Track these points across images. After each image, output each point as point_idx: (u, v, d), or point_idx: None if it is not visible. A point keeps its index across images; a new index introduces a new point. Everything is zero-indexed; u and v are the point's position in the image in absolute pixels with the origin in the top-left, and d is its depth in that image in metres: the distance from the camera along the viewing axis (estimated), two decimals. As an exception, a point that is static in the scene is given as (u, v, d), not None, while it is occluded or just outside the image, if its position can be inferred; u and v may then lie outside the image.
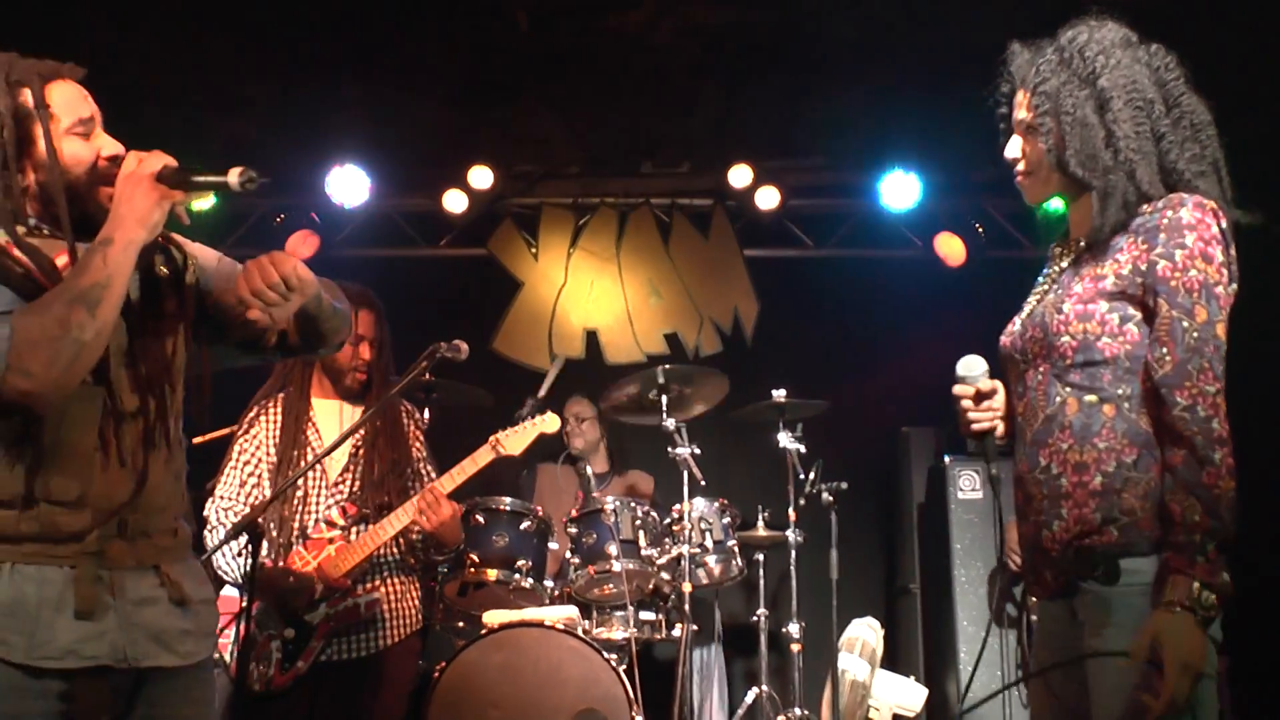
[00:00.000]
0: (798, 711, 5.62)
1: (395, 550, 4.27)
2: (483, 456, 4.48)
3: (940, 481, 6.52)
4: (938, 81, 6.29)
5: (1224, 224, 2.44)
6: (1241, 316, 2.46)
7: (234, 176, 2.35)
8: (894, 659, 6.76)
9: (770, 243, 7.87)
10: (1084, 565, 2.41)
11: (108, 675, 2.20)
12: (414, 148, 7.31)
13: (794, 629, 5.79)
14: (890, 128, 7.03)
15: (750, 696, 5.90)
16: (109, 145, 2.38)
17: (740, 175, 7.48)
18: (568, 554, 5.49)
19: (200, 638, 2.39)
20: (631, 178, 7.86)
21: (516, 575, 5.11)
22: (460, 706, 4.62)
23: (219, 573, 4.03)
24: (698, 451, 5.52)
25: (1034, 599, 2.66)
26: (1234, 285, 2.45)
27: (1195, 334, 2.35)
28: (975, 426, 2.76)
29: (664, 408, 5.55)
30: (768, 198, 7.50)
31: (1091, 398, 2.46)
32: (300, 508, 4.17)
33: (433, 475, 4.38)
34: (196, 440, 5.49)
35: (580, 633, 4.94)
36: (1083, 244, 2.61)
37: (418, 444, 4.45)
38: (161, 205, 2.30)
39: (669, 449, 5.51)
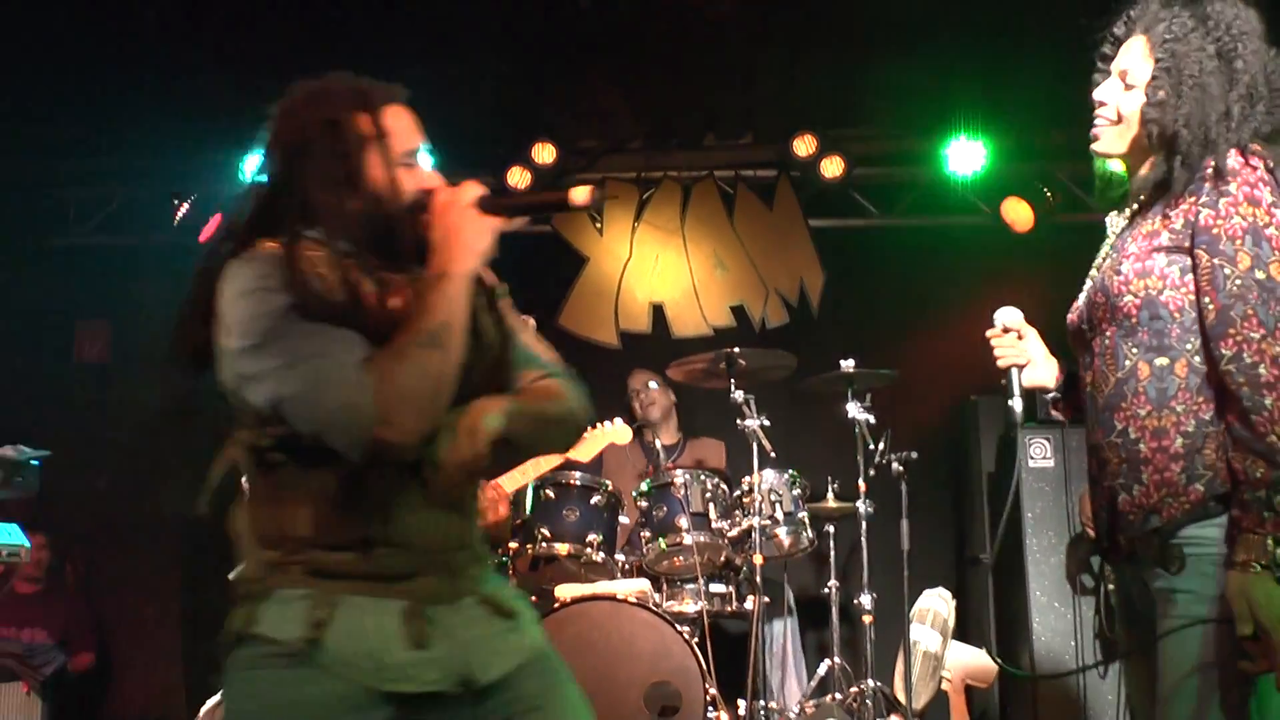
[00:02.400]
0: (870, 683, 5.61)
1: None
2: (549, 459, 4.49)
3: (1011, 450, 6.46)
4: (1002, 45, 6.21)
5: (1271, 165, 2.42)
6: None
7: (580, 195, 2.27)
8: (965, 630, 6.73)
9: (835, 212, 7.81)
10: (1152, 549, 2.42)
11: (444, 700, 2.22)
12: (476, 125, 7.33)
13: (865, 600, 5.77)
14: (955, 93, 6.95)
15: (822, 668, 5.90)
16: (424, 180, 2.33)
17: (804, 145, 7.41)
18: (638, 527, 5.51)
19: (527, 630, 2.39)
20: (695, 150, 7.83)
21: (588, 549, 5.14)
22: (534, 680, 4.66)
23: None
24: (767, 423, 5.52)
25: (1109, 566, 2.66)
26: None
27: (1238, 281, 2.34)
28: (999, 361, 2.85)
29: (732, 380, 5.55)
30: (832, 167, 7.43)
31: (1162, 360, 2.45)
32: None
33: None
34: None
35: (652, 606, 4.96)
36: (1136, 206, 2.61)
37: None
38: (489, 235, 2.27)
39: (738, 420, 5.51)
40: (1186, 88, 2.46)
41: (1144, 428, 2.45)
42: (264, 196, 2.29)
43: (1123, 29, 2.62)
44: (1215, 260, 2.37)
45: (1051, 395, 2.90)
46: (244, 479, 2.27)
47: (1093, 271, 2.70)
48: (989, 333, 2.89)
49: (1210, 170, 2.41)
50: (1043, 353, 2.88)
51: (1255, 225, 2.35)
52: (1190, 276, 2.43)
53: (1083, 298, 2.69)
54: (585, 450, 4.62)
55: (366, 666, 2.15)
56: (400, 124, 2.33)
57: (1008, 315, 2.88)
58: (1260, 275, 2.33)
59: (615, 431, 4.73)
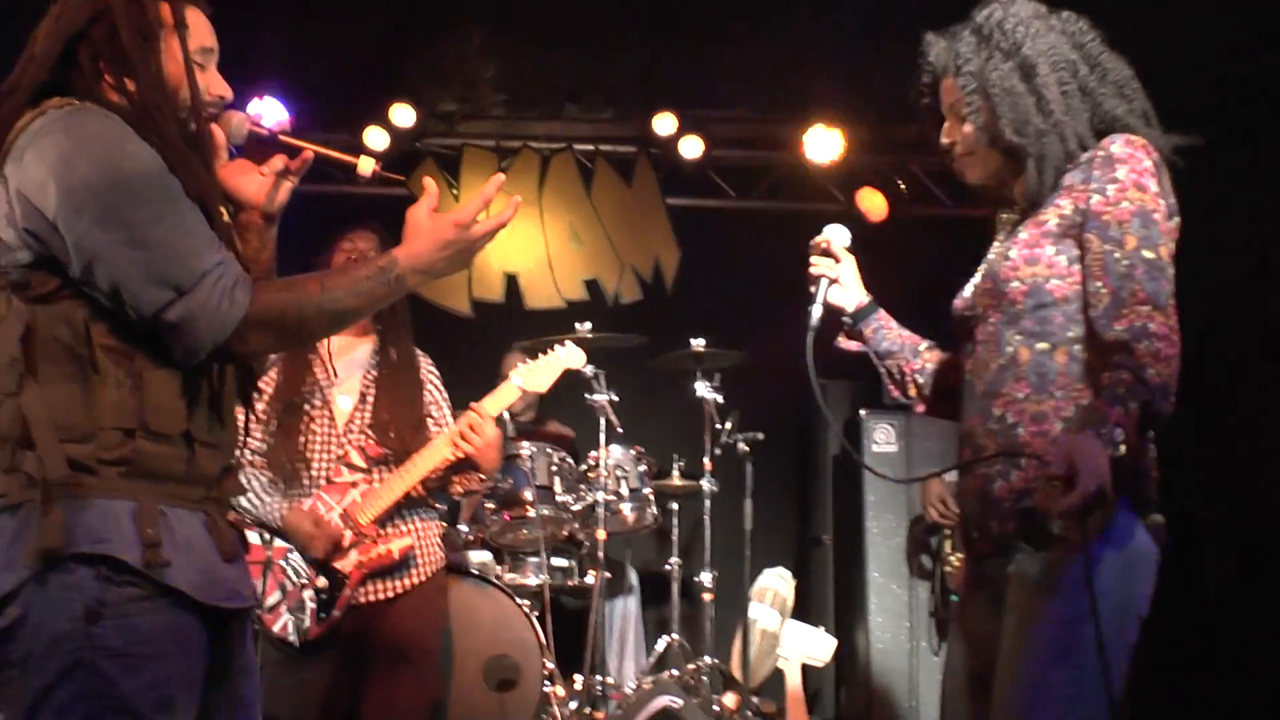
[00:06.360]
0: (708, 660, 5.66)
1: (419, 490, 3.98)
2: (508, 394, 4.17)
3: (855, 434, 6.55)
4: (863, 36, 6.28)
5: (1156, 158, 2.47)
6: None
7: (365, 166, 2.53)
8: (805, 609, 6.82)
9: (693, 192, 7.83)
10: (1020, 527, 2.41)
11: (245, 615, 2.23)
12: (336, 82, 7.17)
13: (706, 578, 5.82)
14: (815, 81, 7.02)
15: (661, 644, 5.93)
16: (217, 84, 2.31)
17: (664, 123, 7.41)
18: (483, 499, 5.47)
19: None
20: (555, 121, 7.78)
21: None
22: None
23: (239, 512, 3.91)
24: (615, 399, 5.52)
25: (958, 555, 2.68)
26: (1175, 219, 2.47)
27: (1126, 262, 2.36)
28: (812, 269, 2.90)
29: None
30: (691, 147, 7.45)
31: (1043, 345, 2.46)
32: (314, 450, 3.93)
33: (448, 419, 4.12)
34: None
35: (494, 578, 4.94)
36: (1024, 207, 2.63)
37: (430, 386, 4.15)
38: (464, 263, 2.51)
39: (586, 395, 5.50)
40: (997, 99, 2.52)
41: (1023, 412, 2.44)
42: (51, 55, 2.11)
43: (929, 77, 2.70)
44: (1106, 245, 2.39)
45: (845, 319, 2.94)
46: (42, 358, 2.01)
47: (982, 264, 2.72)
48: (812, 241, 2.93)
49: (1100, 156, 2.45)
50: (854, 279, 2.93)
51: (1144, 209, 2.39)
52: (1077, 266, 2.45)
53: (970, 285, 2.70)
54: (543, 379, 4.29)
55: (200, 583, 2.06)
56: (198, 21, 2.28)
57: (835, 234, 2.94)
58: (1149, 254, 2.36)
59: (569, 355, 4.40)
